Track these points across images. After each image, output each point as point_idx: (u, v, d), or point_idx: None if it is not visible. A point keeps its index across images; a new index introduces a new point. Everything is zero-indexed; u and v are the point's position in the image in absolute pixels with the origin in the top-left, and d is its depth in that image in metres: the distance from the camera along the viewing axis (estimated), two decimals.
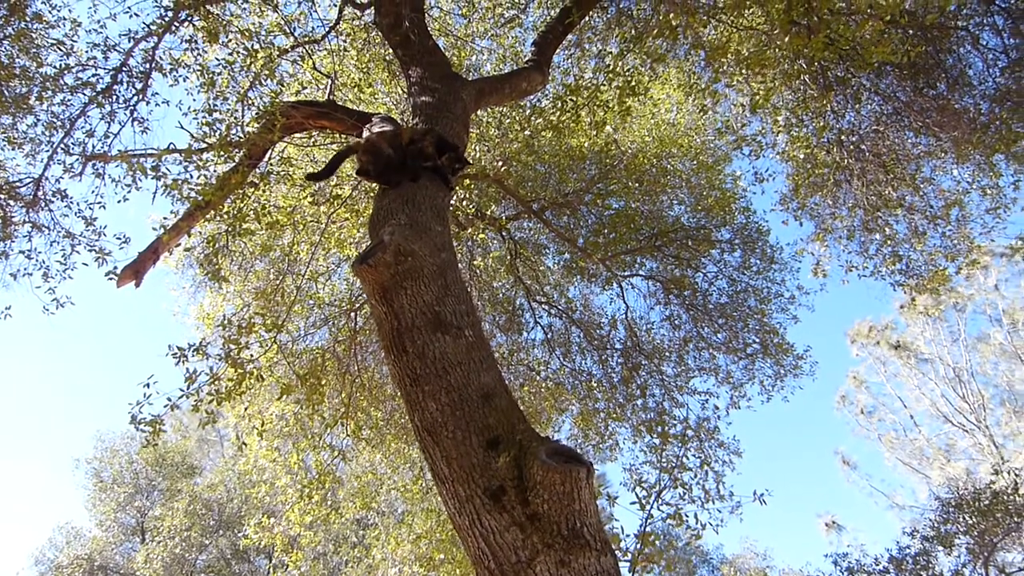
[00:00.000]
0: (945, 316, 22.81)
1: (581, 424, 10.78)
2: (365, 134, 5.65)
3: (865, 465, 30.57)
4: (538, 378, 10.35)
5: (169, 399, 4.82)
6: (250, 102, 5.69)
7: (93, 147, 5.48)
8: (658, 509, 4.27)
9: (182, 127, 5.43)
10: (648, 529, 5.05)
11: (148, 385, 4.78)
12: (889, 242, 6.96)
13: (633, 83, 6.56)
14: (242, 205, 5.37)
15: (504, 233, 10.21)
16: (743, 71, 6.60)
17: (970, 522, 9.14)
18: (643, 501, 4.37)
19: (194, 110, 5.53)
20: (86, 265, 5.55)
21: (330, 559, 15.24)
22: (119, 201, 5.34)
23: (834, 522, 24.17)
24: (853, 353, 23.77)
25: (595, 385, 10.37)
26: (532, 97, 8.54)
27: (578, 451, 3.24)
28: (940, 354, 23.21)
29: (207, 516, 16.66)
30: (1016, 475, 9.19)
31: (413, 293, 3.66)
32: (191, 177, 4.97)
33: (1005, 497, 9.03)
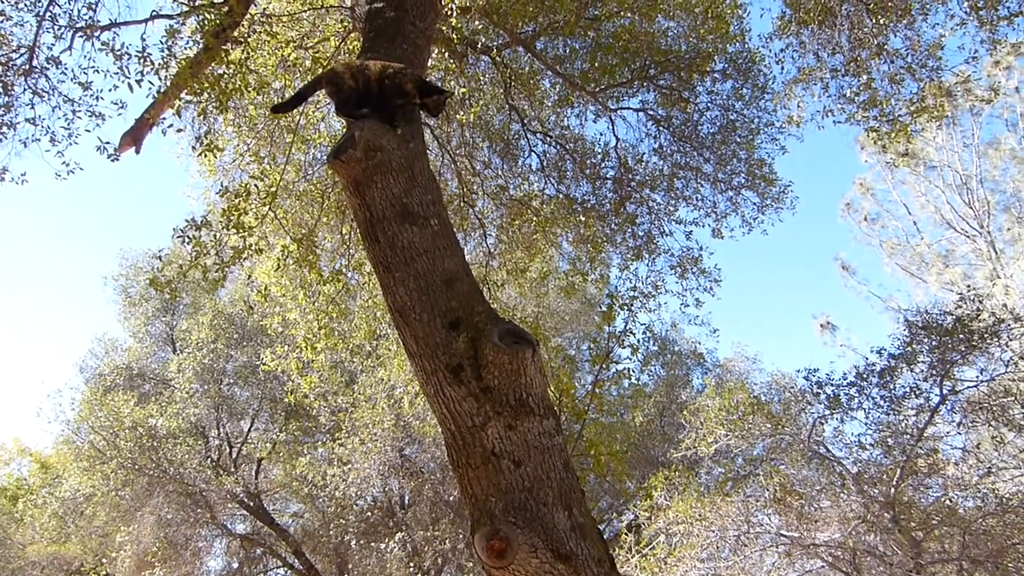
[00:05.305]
0: (960, 120, 22.41)
1: (575, 247, 11.34)
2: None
3: (864, 271, 31.41)
4: (532, 205, 10.70)
5: (181, 266, 5.32)
6: None
7: (79, 11, 5.56)
8: (605, 368, 4.89)
9: None
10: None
11: (160, 258, 5.28)
12: (865, 88, 7.00)
13: None
14: (226, 74, 5.53)
15: (498, 59, 10.15)
16: None
17: (933, 344, 9.82)
18: (596, 358, 4.97)
19: None
20: (88, 131, 5.82)
21: (346, 366, 16.48)
22: (109, 89, 5.52)
23: (828, 323, 25.32)
24: (862, 160, 23.56)
25: (589, 211, 10.74)
26: None
27: (525, 330, 3.75)
28: (949, 160, 23.12)
29: (230, 330, 17.86)
30: (979, 301, 9.74)
31: (383, 186, 4.01)
32: (173, 47, 5.11)
33: (968, 321, 9.62)
